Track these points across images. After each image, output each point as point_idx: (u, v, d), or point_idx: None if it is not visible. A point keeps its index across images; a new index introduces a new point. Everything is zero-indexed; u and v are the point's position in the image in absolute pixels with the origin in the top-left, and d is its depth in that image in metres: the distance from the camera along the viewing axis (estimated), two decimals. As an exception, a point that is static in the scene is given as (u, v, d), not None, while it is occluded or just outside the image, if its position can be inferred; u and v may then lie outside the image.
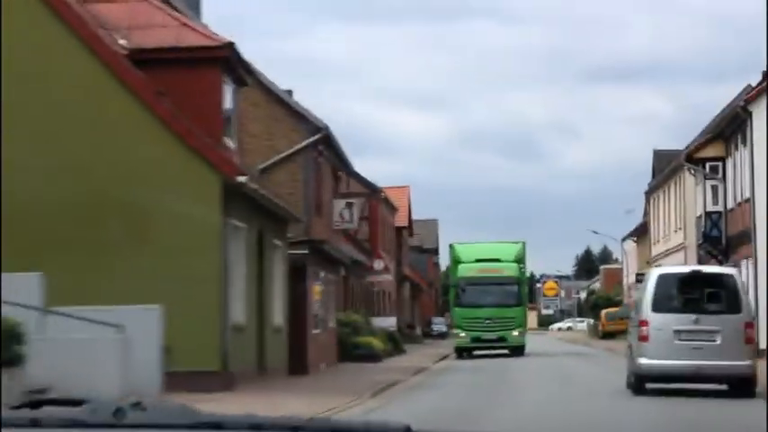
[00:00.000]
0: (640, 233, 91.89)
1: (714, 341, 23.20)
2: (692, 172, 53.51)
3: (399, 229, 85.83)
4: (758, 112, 41.46)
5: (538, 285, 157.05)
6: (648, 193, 70.56)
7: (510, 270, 52.85)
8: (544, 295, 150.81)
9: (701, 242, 49.64)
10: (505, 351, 51.88)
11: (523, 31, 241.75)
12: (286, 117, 40.23)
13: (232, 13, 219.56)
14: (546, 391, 28.18)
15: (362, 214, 55.31)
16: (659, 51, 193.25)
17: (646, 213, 74.99)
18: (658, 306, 23.64)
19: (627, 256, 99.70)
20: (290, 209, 33.07)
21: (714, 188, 48.41)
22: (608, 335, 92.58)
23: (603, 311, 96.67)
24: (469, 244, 59.47)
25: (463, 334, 52.39)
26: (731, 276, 24.88)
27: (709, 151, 48.15)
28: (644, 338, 23.56)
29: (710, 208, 48.28)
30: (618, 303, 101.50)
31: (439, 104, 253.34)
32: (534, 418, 20.94)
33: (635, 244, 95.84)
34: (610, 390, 25.90)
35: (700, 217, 49.49)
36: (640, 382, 24.18)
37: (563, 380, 33.29)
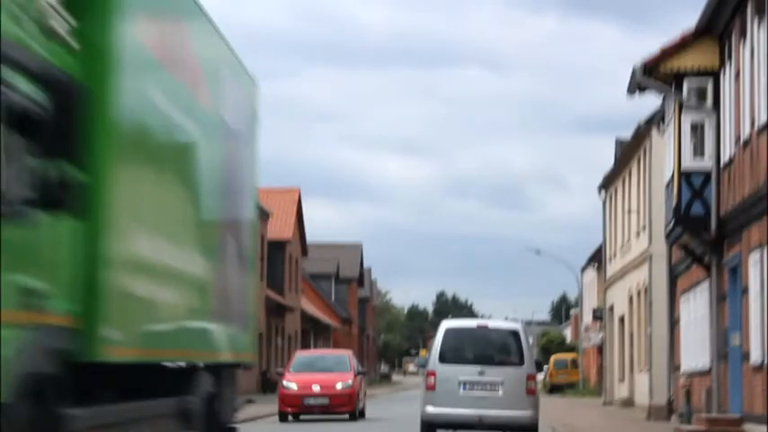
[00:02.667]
0: (600, 257, 69.44)
1: (497, 392, 23.56)
2: (659, 128, 31.21)
3: (279, 244, 63.17)
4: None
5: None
6: (603, 189, 47.69)
7: None
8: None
9: (671, 228, 27.01)
10: None
11: (511, 78, 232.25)
12: None
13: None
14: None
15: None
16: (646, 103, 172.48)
17: (603, 233, 50.88)
18: (445, 357, 23.96)
19: (586, 290, 77.12)
20: None
21: (696, 129, 25.91)
22: (556, 388, 69.77)
23: (552, 358, 74.09)
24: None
25: None
26: (516, 331, 24.74)
27: (690, 59, 25.59)
28: (431, 387, 23.95)
29: (690, 164, 25.76)
30: (572, 348, 78.80)
31: (425, 150, 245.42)
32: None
33: (596, 273, 73.36)
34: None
35: (669, 186, 26.91)
36: (429, 430, 24.27)
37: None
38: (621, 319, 42.81)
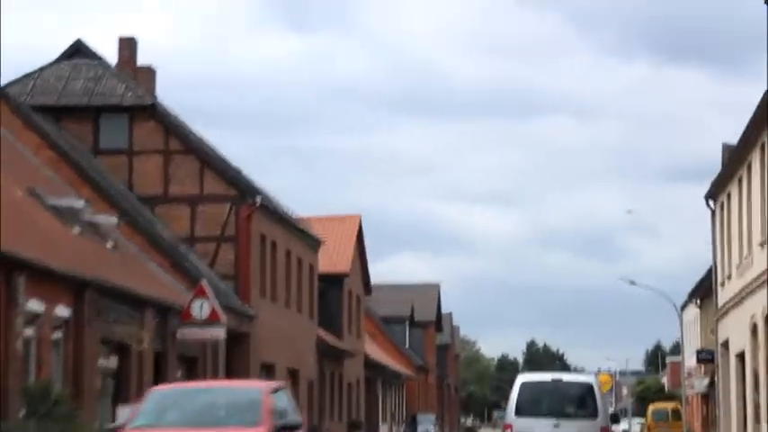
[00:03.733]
0: (705, 289, 59.88)
1: None
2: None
3: (335, 277, 54.65)
4: None
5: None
6: (711, 199, 38.53)
7: None
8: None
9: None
10: None
11: (597, 125, 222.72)
12: None
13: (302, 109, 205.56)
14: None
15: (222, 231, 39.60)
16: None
17: (713, 251, 41.47)
18: (521, 411, 24.32)
19: (686, 330, 67.57)
20: None
21: None
22: (655, 442, 60.25)
23: (650, 408, 64.56)
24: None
25: None
26: (590, 384, 25.33)
27: None
28: None
29: None
30: (674, 396, 69.18)
31: (511, 201, 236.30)
32: None
33: (698, 309, 63.82)
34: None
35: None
36: None
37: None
38: (741, 356, 33.58)
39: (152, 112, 40.55)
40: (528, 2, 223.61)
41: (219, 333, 32.40)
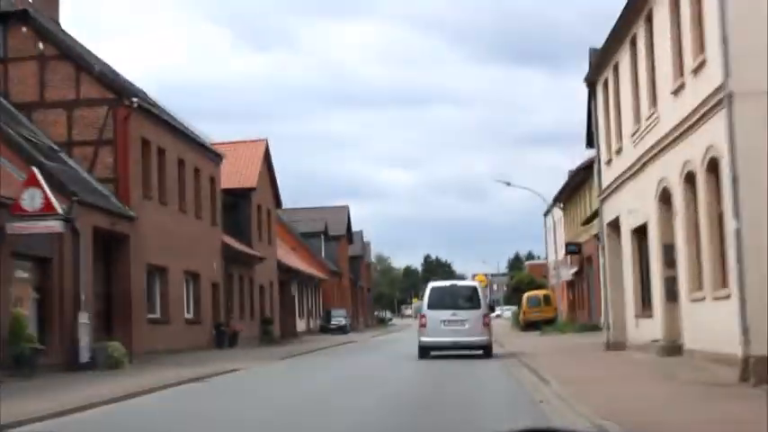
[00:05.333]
0: (567, 193, 47.95)
1: (464, 326, 24.29)
2: None
3: (244, 192, 42.06)
4: None
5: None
6: (591, 80, 26.18)
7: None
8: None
9: None
10: None
11: (470, 111, 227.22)
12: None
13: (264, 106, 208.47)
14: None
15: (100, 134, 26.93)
16: (562, 123, 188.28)
17: (596, 132, 28.12)
18: (431, 305, 24.63)
19: (549, 232, 55.84)
20: None
21: None
22: (531, 325, 48.44)
23: (525, 295, 52.68)
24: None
25: None
26: (475, 287, 25.88)
27: None
28: (423, 325, 24.57)
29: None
30: (542, 286, 57.46)
31: (412, 164, 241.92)
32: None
33: (561, 212, 52.02)
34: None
35: None
36: (424, 352, 24.67)
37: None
38: (640, 231, 21.32)
39: (25, 18, 27.53)
40: (417, 26, 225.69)
41: (54, 226, 19.60)
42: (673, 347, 17.62)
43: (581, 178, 42.70)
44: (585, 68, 25.85)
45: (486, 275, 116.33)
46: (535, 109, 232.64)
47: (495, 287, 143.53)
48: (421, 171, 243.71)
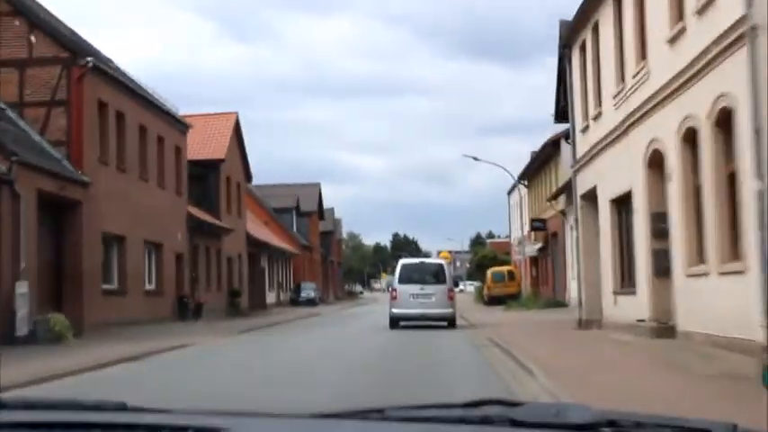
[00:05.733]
0: (534, 171, 44.85)
1: (431, 299, 24.33)
2: None
3: (212, 163, 38.55)
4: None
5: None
6: (566, 49, 22.94)
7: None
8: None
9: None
10: None
11: (438, 101, 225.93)
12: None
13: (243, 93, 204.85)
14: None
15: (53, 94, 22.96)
16: (523, 115, 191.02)
17: (571, 100, 24.87)
18: (402, 280, 24.66)
19: (518, 207, 52.74)
20: None
21: None
22: (495, 300, 45.37)
23: (489, 271, 49.56)
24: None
25: None
26: (441, 264, 25.87)
27: None
28: (394, 298, 24.66)
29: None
30: (505, 262, 54.36)
31: (383, 150, 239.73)
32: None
33: (526, 190, 48.94)
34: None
35: None
36: (395, 322, 24.54)
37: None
38: (622, 201, 18.11)
39: (-25, -28, 23.83)
40: (389, 23, 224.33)
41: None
42: (664, 329, 14.45)
43: (546, 154, 39.57)
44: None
45: (450, 252, 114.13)
46: (499, 100, 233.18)
47: (458, 264, 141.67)
48: (392, 157, 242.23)
